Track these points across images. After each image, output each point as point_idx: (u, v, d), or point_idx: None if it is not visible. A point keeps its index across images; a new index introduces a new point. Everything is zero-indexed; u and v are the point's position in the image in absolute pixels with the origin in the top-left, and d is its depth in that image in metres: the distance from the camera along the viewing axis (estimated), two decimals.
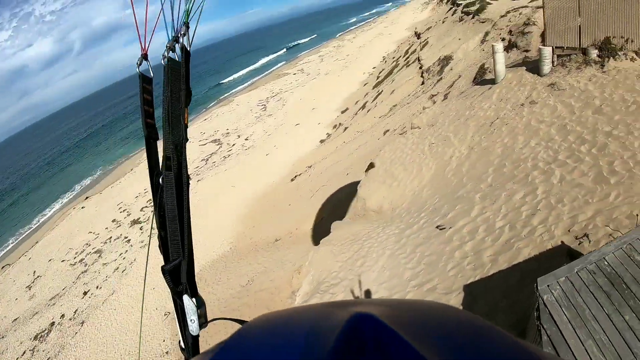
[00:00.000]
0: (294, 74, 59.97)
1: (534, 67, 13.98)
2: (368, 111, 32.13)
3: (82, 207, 32.99)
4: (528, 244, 7.38)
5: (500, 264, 7.36)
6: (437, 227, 10.18)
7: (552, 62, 12.72)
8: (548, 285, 4.17)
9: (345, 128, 31.45)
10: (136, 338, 15.03)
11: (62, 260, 24.28)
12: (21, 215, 39.50)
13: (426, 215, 11.37)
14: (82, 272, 21.92)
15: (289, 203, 19.76)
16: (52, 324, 18.59)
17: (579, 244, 6.63)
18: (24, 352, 17.42)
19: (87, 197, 35.57)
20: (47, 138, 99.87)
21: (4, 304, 22.23)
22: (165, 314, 15.53)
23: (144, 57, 1.21)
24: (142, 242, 22.76)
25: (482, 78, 18.06)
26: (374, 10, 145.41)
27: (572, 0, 11.83)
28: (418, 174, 14.25)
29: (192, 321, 1.15)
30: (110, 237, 25.09)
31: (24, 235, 33.89)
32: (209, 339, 3.07)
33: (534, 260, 7.00)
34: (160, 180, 1.17)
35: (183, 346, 1.20)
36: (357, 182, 16.02)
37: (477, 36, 23.66)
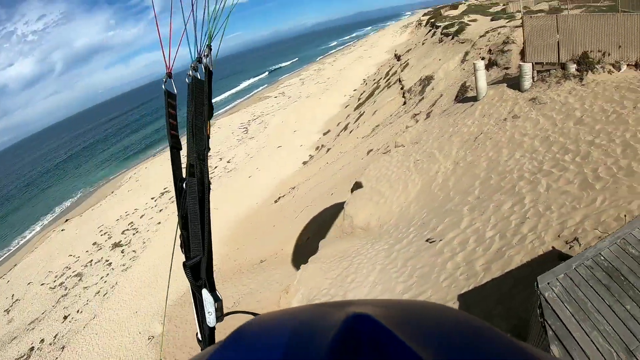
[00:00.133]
0: (275, 97, 60.64)
1: (514, 83, 14.54)
2: (350, 132, 32.57)
3: (62, 230, 32.48)
4: (519, 251, 7.50)
5: (493, 272, 7.43)
6: (427, 240, 10.24)
7: (533, 77, 13.27)
8: (548, 283, 4.23)
9: (328, 149, 31.72)
10: None
11: (42, 284, 23.77)
12: None
13: (415, 229, 11.45)
14: (62, 296, 21.47)
15: (273, 224, 19.61)
16: (32, 349, 18.06)
17: (569, 248, 6.78)
18: None
19: (67, 220, 35.10)
20: (27, 159, 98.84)
21: None
22: (148, 338, 15.12)
23: (169, 75, 1.35)
24: (123, 265, 22.41)
25: (464, 96, 18.62)
26: (354, 34, 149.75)
27: (550, 18, 12.49)
28: (404, 190, 14.41)
29: (210, 313, 1.26)
30: (91, 260, 24.74)
31: (2, 258, 32.96)
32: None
33: (527, 267, 7.10)
34: (184, 185, 1.30)
35: (200, 338, 1.30)
36: (342, 202, 16.05)
37: (457, 56, 24.54)
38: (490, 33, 22.14)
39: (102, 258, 24.47)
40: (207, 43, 1.39)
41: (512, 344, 0.54)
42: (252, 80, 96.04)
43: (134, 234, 26.41)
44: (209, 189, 1.33)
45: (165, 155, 45.19)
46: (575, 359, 3.40)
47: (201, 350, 1.20)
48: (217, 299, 1.27)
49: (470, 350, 0.51)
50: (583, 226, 6.99)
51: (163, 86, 1.35)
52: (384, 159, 17.64)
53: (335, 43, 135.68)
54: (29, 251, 30.60)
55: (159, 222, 26.66)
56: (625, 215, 6.34)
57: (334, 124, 38.29)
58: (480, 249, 8.40)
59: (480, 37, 23.02)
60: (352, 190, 16.41)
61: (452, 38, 28.61)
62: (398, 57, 45.46)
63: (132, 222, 28.65)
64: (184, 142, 1.39)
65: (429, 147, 15.94)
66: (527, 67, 13.22)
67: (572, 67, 11.85)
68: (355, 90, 47.90)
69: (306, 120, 41.57)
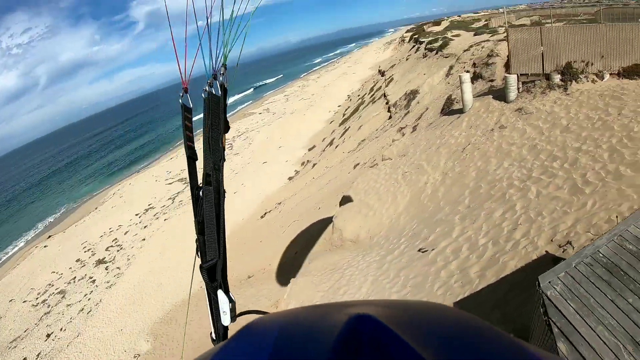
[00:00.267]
0: (260, 113, 60.81)
1: (500, 94, 14.91)
2: (336, 147, 32.76)
3: (45, 246, 31.83)
4: (513, 257, 7.56)
5: (488, 279, 7.46)
6: (419, 250, 10.26)
7: (518, 88, 13.65)
8: (549, 282, 4.26)
9: (314, 164, 31.80)
10: None
11: (24, 301, 23.19)
12: None
13: (406, 240, 11.47)
14: (45, 314, 20.98)
15: (259, 240, 19.41)
16: None
17: (563, 252, 6.87)
18: None
19: (50, 236, 34.48)
20: (9, 174, 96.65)
21: None
22: (134, 356, 14.80)
23: (185, 90, 1.46)
24: (107, 282, 22.07)
25: (450, 108, 18.98)
26: (337, 51, 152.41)
27: (534, 31, 12.95)
28: (393, 202, 14.49)
29: (225, 313, 1.34)
30: (74, 277, 24.32)
31: None
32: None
33: (521, 272, 7.16)
34: (201, 193, 1.40)
35: (214, 337, 1.37)
36: (330, 216, 16.03)
37: (441, 70, 25.11)
38: (474, 47, 22.76)
39: (85, 275, 24.20)
40: (222, 62, 1.53)
41: (514, 343, 0.55)
42: (237, 96, 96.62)
43: (118, 251, 26.14)
44: (224, 196, 1.44)
45: (150, 172, 45.50)
46: (583, 354, 3.41)
47: None
48: (231, 300, 1.35)
49: (472, 350, 0.52)
50: (575, 230, 7.11)
51: (180, 100, 1.45)
52: (372, 172, 17.76)
53: (319, 60, 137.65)
54: (11, 268, 29.98)
55: (144, 239, 26.39)
56: (617, 217, 6.47)
57: (319, 139, 38.52)
58: (473, 256, 8.45)
59: (465, 51, 23.64)
60: (340, 204, 16.41)
61: (436, 53, 29.31)
62: (382, 73, 46.27)
63: (116, 239, 28.37)
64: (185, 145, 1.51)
65: (416, 159, 16.12)
66: (513, 79, 13.59)
67: (557, 78, 12.24)
68: (339, 106, 48.42)
69: (291, 136, 41.77)
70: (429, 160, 15.22)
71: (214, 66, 1.50)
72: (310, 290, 10.56)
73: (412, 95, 26.99)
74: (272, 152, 38.31)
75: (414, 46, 40.47)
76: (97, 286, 22.18)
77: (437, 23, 47.90)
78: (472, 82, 18.74)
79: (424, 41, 35.63)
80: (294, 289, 10.91)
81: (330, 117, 45.36)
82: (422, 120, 22.07)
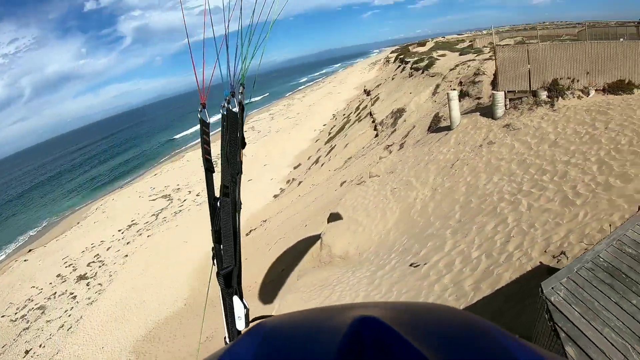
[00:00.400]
0: (245, 131, 60.09)
1: (487, 111, 15.24)
2: (322, 165, 32.86)
3: (25, 260, 31.16)
4: (508, 269, 7.59)
5: (483, 291, 7.44)
6: (410, 265, 10.21)
7: (505, 105, 13.97)
8: (552, 288, 4.27)
9: (300, 182, 31.75)
10: None
11: (2, 316, 22.51)
12: None
13: (397, 255, 11.43)
14: (24, 329, 20.48)
15: (245, 257, 19.03)
16: None
17: (557, 262, 6.92)
18: None
19: (30, 250, 33.80)
20: None
21: None
22: None
23: (203, 105, 1.56)
24: (88, 298, 21.61)
25: (438, 126, 19.29)
26: (323, 71, 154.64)
27: (521, 50, 13.39)
28: (382, 218, 14.49)
29: (239, 318, 1.41)
30: (55, 292, 23.74)
31: None
32: None
33: (516, 283, 7.18)
34: (218, 203, 1.49)
35: (228, 341, 1.41)
36: (317, 234, 15.95)
37: (428, 89, 25.63)
38: (460, 66, 23.36)
39: (66, 290, 23.70)
40: (241, 81, 1.64)
41: (518, 343, 0.56)
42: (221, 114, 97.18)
43: (99, 267, 25.70)
44: (240, 207, 1.54)
45: (134, 188, 45.04)
46: (592, 357, 3.41)
47: None
48: (245, 306, 1.43)
49: (476, 350, 0.53)
50: (568, 240, 7.19)
51: (198, 115, 1.55)
52: (360, 188, 17.80)
53: (304, 79, 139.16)
54: None
55: (126, 255, 25.98)
56: (610, 225, 6.57)
57: (305, 157, 38.61)
58: (467, 269, 8.45)
59: (451, 70, 24.23)
60: (328, 221, 16.34)
61: (422, 72, 29.96)
62: (368, 92, 46.98)
63: (98, 255, 27.92)
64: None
65: (405, 175, 16.24)
66: (500, 96, 13.92)
67: (543, 94, 12.60)
68: (324, 125, 48.81)
69: (276, 154, 41.84)
70: (418, 176, 15.35)
71: (232, 84, 1.60)
72: (299, 306, 10.35)
73: (398, 113, 27.39)
74: (257, 170, 38.21)
75: (399, 66, 41.33)
76: (77, 302, 21.79)
77: (422, 44, 49.14)
78: (459, 100, 19.13)
79: (409, 61, 36.44)
80: (283, 305, 10.71)
81: (316, 135, 45.63)
82: (409, 138, 22.35)
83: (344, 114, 47.48)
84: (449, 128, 17.00)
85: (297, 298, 10.96)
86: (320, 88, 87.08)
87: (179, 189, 39.57)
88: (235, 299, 1.43)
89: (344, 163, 29.27)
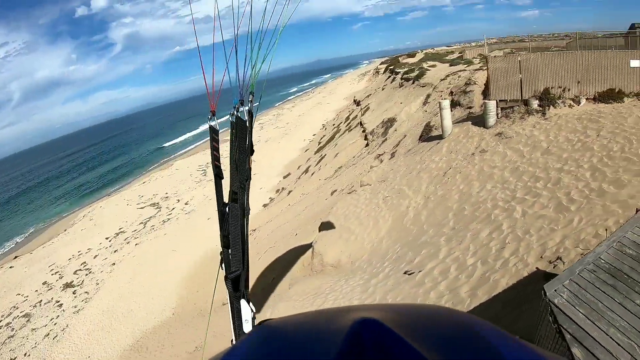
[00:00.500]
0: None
1: (479, 120, 15.42)
2: (312, 174, 32.85)
3: (11, 267, 30.80)
4: (504, 275, 7.60)
5: (480, 297, 7.43)
6: (405, 272, 10.18)
7: (497, 114, 14.14)
8: (555, 290, 4.28)
9: (289, 192, 31.67)
10: None
11: None
12: None
13: (390, 263, 11.40)
14: (9, 337, 20.14)
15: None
16: None
17: (554, 267, 6.95)
18: None
19: (16, 257, 33.49)
20: None
21: None
22: None
23: (213, 113, 1.62)
24: (75, 307, 21.30)
25: (429, 135, 19.43)
26: (312, 81, 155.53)
27: (513, 61, 13.63)
28: (375, 226, 14.48)
29: (247, 321, 1.46)
30: (41, 300, 23.44)
31: None
32: None
33: (512, 289, 7.18)
34: (227, 209, 1.53)
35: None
36: (308, 243, 15.90)
37: (418, 99, 25.89)
38: (451, 76, 23.68)
39: (52, 298, 23.37)
40: (250, 90, 1.71)
41: (518, 343, 0.57)
42: (211, 122, 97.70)
43: (86, 275, 25.35)
44: (249, 212, 1.59)
45: (122, 195, 44.60)
46: (599, 357, 3.40)
47: None
48: (252, 310, 1.48)
49: (475, 350, 0.54)
50: (564, 245, 7.24)
51: (208, 123, 1.62)
52: (351, 197, 17.80)
53: (294, 89, 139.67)
54: None
55: (114, 263, 25.69)
56: (606, 229, 6.64)
57: (295, 167, 38.61)
58: (463, 276, 8.44)
59: (441, 80, 24.54)
60: (319, 229, 16.28)
61: (413, 82, 30.29)
62: (357, 103, 47.30)
63: (84, 262, 27.59)
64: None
65: (397, 184, 16.29)
66: (492, 105, 14.11)
67: (535, 103, 12.81)
68: (314, 134, 48.96)
69: (265, 164, 41.76)
70: (410, 184, 15.40)
71: (241, 92, 1.67)
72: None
73: (389, 123, 27.57)
74: None
75: (389, 76, 41.76)
76: (64, 310, 21.51)
77: (412, 55, 49.82)
78: (451, 109, 19.36)
79: (399, 72, 36.85)
80: (275, 314, 10.52)
81: (305, 145, 45.72)
82: (400, 147, 22.48)
83: (333, 124, 47.70)
84: (440, 137, 17.14)
85: (289, 306, 10.84)
86: (310, 98, 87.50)
87: (167, 197, 39.36)
88: (243, 302, 1.46)
89: (335, 172, 29.30)
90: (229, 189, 1.54)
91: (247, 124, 1.66)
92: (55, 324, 20.20)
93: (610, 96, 11.52)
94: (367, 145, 29.82)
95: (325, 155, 35.42)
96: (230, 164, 1.58)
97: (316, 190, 27.71)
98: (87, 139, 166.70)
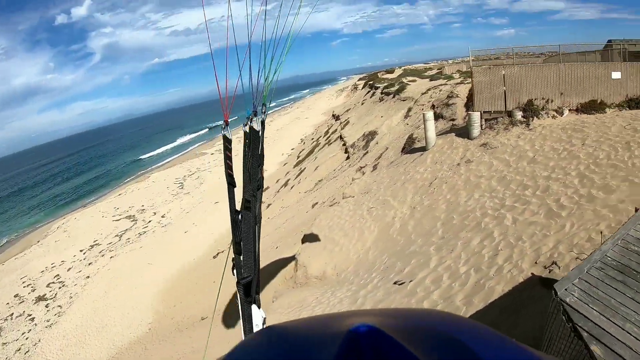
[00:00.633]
0: (212, 153, 60.39)
1: (463, 132, 15.68)
2: (292, 188, 32.73)
3: None
4: (499, 281, 7.60)
5: (476, 305, 7.39)
6: (395, 282, 10.08)
7: (481, 125, 14.42)
8: (566, 289, 4.26)
9: (269, 205, 31.40)
10: None
11: None
12: None
13: (378, 274, 11.29)
14: None
15: (213, 280, 18.45)
16: None
17: (549, 272, 7.00)
18: None
19: None
20: None
21: None
22: None
23: (226, 123, 1.65)
24: (47, 321, 20.63)
25: (412, 147, 19.63)
26: (291, 96, 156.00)
27: (496, 74, 13.99)
28: (360, 237, 14.39)
29: (257, 325, 1.54)
30: (12, 313, 22.70)
31: None
32: None
33: (509, 295, 7.17)
34: (239, 216, 1.58)
35: None
36: (290, 255, 15.71)
37: (400, 112, 26.25)
38: (432, 90, 24.17)
39: (24, 312, 22.67)
40: (263, 102, 1.77)
41: (515, 346, 0.57)
42: (191, 136, 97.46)
43: (60, 288, 24.56)
44: (260, 220, 1.62)
45: (97, 207, 43.53)
46: (619, 352, 3.38)
47: None
48: (262, 315, 1.56)
49: (472, 355, 0.53)
50: (558, 250, 7.31)
51: (222, 132, 1.65)
52: (334, 209, 17.71)
53: (272, 104, 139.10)
54: None
55: (88, 276, 24.94)
56: (602, 232, 6.74)
57: (273, 181, 38.41)
58: (456, 284, 8.40)
59: (422, 94, 25.00)
60: (302, 241, 16.09)
61: (394, 96, 30.75)
62: (337, 117, 47.67)
63: (58, 275, 26.72)
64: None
65: (381, 195, 16.31)
66: (476, 116, 14.39)
67: (519, 114, 13.14)
68: (293, 149, 48.99)
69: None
70: (395, 195, 15.43)
71: (255, 102, 1.71)
72: None
73: (370, 136, 27.81)
74: (224, 192, 37.27)
75: (369, 91, 42.34)
76: (36, 325, 20.87)
77: (390, 71, 50.80)
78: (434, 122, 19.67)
79: (379, 86, 37.43)
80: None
81: (284, 159, 45.66)
82: (382, 160, 22.64)
83: (312, 138, 47.85)
84: (424, 149, 17.32)
85: (274, 319, 10.39)
86: (288, 113, 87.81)
87: (144, 209, 38.71)
88: (254, 307, 1.53)
89: (315, 185, 29.25)
90: (241, 197, 1.58)
91: (260, 134, 1.68)
92: (27, 339, 19.64)
93: (592, 107, 11.94)
94: (347, 158, 29.94)
95: (305, 168, 35.38)
96: (243, 173, 1.64)
97: (296, 203, 27.58)
98: (64, 148, 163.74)
